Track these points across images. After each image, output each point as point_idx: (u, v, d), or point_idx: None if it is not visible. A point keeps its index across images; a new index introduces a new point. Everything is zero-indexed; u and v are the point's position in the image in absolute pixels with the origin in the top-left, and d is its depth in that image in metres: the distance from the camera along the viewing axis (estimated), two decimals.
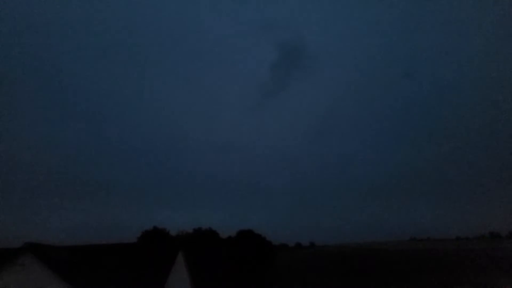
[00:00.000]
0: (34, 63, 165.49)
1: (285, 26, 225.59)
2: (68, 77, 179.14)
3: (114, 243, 22.51)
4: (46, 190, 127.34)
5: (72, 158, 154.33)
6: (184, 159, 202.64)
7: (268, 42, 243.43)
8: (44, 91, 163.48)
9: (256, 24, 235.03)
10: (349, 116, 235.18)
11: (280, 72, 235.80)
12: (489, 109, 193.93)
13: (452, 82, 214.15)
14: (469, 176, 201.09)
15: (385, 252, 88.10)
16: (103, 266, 18.36)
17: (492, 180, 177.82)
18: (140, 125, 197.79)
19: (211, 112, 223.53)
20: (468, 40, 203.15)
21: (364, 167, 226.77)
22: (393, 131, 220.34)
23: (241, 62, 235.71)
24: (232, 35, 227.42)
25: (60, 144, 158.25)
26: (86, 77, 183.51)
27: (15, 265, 15.77)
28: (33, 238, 17.47)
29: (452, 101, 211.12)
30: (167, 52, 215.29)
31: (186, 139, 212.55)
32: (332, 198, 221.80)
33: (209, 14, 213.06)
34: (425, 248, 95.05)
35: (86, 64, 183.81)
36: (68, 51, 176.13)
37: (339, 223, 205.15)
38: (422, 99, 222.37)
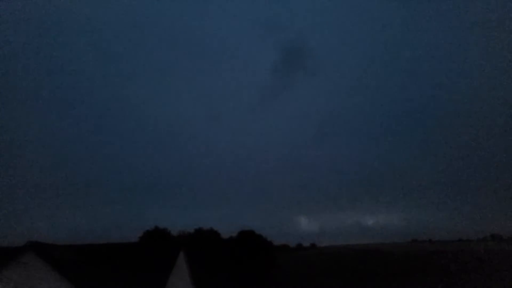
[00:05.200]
0: (35, 63, 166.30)
1: (287, 26, 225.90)
2: (69, 77, 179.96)
3: (116, 243, 22.59)
4: (49, 190, 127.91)
5: (75, 158, 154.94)
6: (185, 159, 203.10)
7: (270, 43, 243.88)
8: (45, 91, 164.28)
9: (257, 24, 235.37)
10: (351, 117, 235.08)
11: (282, 73, 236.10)
12: (491, 111, 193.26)
13: (454, 83, 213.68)
14: (471, 177, 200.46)
15: (386, 253, 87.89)
16: (105, 265, 18.42)
17: (493, 181, 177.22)
18: (142, 126, 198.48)
19: (212, 113, 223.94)
20: (469, 42, 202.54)
21: (365, 168, 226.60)
22: (395, 132, 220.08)
23: (243, 63, 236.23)
24: (234, 36, 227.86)
25: (62, 144, 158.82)
26: (87, 77, 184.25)
27: (18, 264, 15.82)
28: (35, 237, 17.55)
29: (454, 102, 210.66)
30: (169, 53, 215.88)
31: (188, 140, 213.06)
32: (334, 198, 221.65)
33: (210, 14, 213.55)
34: (426, 249, 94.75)
35: (86, 63, 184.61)
36: (69, 51, 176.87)
37: (340, 223, 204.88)
38: (424, 100, 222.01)
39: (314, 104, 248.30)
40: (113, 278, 17.18)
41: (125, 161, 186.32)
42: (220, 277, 37.80)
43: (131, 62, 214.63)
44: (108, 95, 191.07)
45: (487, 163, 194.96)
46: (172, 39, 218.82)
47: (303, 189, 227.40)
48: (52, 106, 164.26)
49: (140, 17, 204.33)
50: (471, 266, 55.88)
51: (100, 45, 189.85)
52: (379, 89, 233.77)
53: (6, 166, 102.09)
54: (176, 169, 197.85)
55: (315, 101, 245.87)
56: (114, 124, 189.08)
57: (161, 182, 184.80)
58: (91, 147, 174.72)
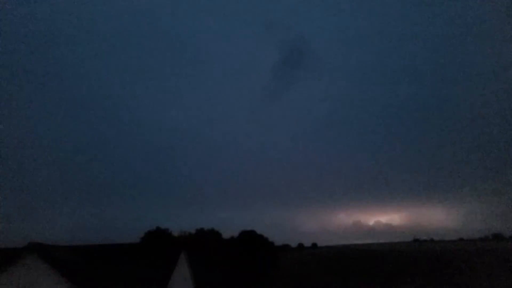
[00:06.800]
0: (35, 63, 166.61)
1: (287, 27, 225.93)
2: (70, 77, 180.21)
3: (117, 243, 22.63)
4: (50, 190, 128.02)
5: (76, 158, 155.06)
6: (186, 159, 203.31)
7: (270, 43, 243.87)
8: (46, 91, 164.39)
9: (258, 25, 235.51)
10: (352, 116, 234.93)
11: (283, 73, 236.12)
12: (492, 110, 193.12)
13: (455, 83, 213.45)
14: (472, 177, 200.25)
15: (387, 253, 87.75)
16: (106, 266, 18.44)
17: (495, 181, 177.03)
18: (143, 126, 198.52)
19: (213, 113, 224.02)
20: (469, 42, 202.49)
21: (366, 167, 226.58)
22: (395, 131, 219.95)
23: (243, 63, 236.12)
24: (234, 36, 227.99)
25: (64, 144, 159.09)
26: (87, 76, 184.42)
27: (19, 265, 15.85)
28: (37, 238, 17.58)
29: (453, 101, 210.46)
30: (169, 52, 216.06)
31: (189, 140, 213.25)
32: (334, 198, 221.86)
33: (210, 14, 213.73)
34: (428, 249, 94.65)
35: (86, 63, 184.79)
36: (71, 52, 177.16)
37: (341, 223, 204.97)
38: (425, 99, 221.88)
39: (314, 104, 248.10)
40: (115, 278, 17.19)
41: (126, 162, 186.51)
42: (221, 278, 37.77)
43: (132, 62, 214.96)
44: (108, 96, 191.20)
45: (488, 162, 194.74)
46: (172, 39, 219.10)
47: (304, 189, 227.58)
48: (52, 106, 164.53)
49: (140, 17, 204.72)
50: (472, 266, 55.77)
51: (100, 46, 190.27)
52: (379, 88, 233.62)
53: (6, 167, 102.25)
54: (177, 170, 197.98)
55: (316, 101, 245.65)
56: (115, 125, 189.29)
57: (162, 183, 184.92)
58: (92, 147, 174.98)
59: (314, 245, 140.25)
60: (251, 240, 46.21)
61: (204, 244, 41.91)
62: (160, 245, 30.66)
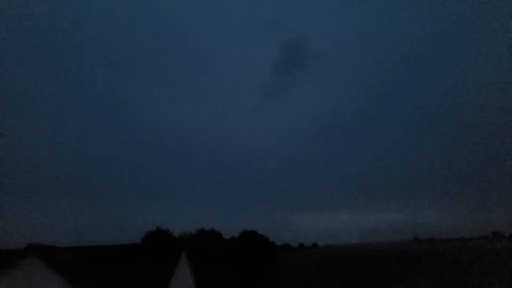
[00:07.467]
0: (36, 66, 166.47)
1: (288, 26, 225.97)
2: (71, 80, 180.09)
3: (117, 244, 22.53)
4: (50, 192, 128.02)
5: (76, 160, 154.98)
6: (186, 160, 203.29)
7: (271, 43, 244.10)
8: (47, 94, 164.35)
9: (259, 25, 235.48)
10: (352, 116, 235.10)
11: (283, 73, 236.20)
12: (492, 110, 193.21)
13: (454, 82, 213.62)
14: (472, 177, 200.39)
15: (388, 252, 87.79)
16: (106, 267, 18.37)
17: (495, 181, 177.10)
18: (144, 127, 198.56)
19: (214, 113, 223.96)
20: (469, 42, 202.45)
21: (366, 167, 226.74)
22: (395, 131, 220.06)
23: (244, 63, 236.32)
24: (235, 36, 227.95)
25: (64, 147, 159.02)
26: (88, 79, 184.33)
27: (19, 267, 15.79)
28: (37, 239, 17.55)
29: (454, 102, 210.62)
30: (169, 53, 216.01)
31: (189, 140, 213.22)
32: (335, 198, 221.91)
33: (211, 14, 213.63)
34: (428, 248, 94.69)
35: (88, 66, 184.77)
36: (72, 56, 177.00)
37: (342, 223, 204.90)
38: (424, 99, 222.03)
39: (314, 103, 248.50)
40: (115, 279, 17.11)
41: (127, 164, 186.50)
42: (222, 278, 37.70)
43: (132, 64, 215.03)
44: (109, 97, 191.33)
45: (488, 161, 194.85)
46: (175, 40, 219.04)
47: (305, 189, 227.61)
48: (53, 109, 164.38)
49: (143, 19, 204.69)
50: (472, 264, 55.74)
51: (103, 49, 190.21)
52: (379, 88, 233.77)
53: (7, 169, 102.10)
54: (177, 170, 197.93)
55: (316, 100, 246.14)
56: (114, 126, 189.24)
57: (162, 183, 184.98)
58: (91, 149, 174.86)
59: (315, 245, 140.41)
60: (252, 240, 46.17)
61: (204, 245, 41.86)
62: (160, 246, 30.56)
